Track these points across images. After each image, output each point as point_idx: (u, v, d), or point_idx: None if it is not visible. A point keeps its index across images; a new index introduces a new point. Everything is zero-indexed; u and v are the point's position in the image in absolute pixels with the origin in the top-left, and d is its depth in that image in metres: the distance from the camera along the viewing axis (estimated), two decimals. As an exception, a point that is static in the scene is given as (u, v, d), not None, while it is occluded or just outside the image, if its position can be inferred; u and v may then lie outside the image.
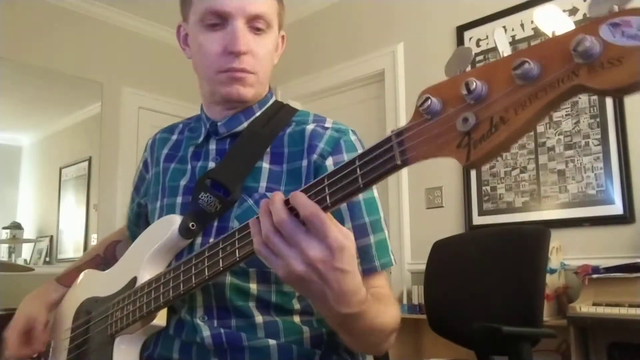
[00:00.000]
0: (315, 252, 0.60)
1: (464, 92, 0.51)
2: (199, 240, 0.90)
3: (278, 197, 0.64)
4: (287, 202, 0.64)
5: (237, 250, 0.72)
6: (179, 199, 0.96)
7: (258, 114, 0.97)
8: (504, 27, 2.73)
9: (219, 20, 0.89)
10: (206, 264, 0.77)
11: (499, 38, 0.53)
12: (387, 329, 0.78)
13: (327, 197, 0.62)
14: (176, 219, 0.91)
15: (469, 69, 0.54)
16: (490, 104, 0.50)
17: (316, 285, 0.62)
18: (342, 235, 0.61)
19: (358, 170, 0.60)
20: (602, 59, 0.44)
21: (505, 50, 0.52)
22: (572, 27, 0.47)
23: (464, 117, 0.52)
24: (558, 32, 0.48)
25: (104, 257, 1.17)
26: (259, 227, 0.64)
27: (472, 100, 0.51)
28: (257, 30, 0.91)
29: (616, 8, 0.44)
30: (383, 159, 0.58)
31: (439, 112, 0.54)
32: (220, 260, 0.75)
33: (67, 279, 1.13)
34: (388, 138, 0.58)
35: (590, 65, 0.45)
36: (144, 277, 0.89)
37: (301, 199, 0.62)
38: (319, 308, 0.68)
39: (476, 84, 0.51)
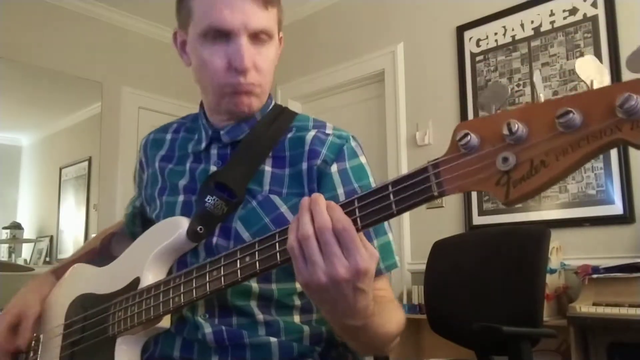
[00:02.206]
0: (342, 270, 0.61)
1: (506, 132, 0.53)
2: (202, 240, 0.91)
3: (322, 199, 0.64)
4: None
5: (257, 263, 0.71)
6: (180, 198, 0.97)
7: (259, 119, 0.98)
8: (504, 27, 2.73)
9: (222, 35, 0.89)
10: (222, 273, 0.76)
11: (537, 81, 0.56)
12: (391, 336, 0.80)
13: (358, 220, 0.64)
14: (183, 222, 0.90)
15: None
16: (531, 147, 0.52)
17: (331, 296, 0.64)
18: (369, 256, 0.62)
19: (392, 196, 0.62)
20: None
21: (541, 92, 0.54)
22: (608, 78, 0.50)
23: (503, 156, 0.54)
24: (597, 83, 0.50)
25: (99, 250, 1.17)
26: (298, 225, 0.64)
27: (512, 140, 0.53)
28: (259, 43, 0.91)
29: None
30: (419, 188, 0.60)
31: (478, 148, 0.56)
32: (239, 271, 0.74)
33: (64, 273, 1.11)
34: (424, 168, 0.60)
35: (634, 122, 0.47)
36: (147, 278, 0.89)
37: (336, 212, 0.63)
38: (325, 315, 0.70)
39: (518, 126, 0.52)
